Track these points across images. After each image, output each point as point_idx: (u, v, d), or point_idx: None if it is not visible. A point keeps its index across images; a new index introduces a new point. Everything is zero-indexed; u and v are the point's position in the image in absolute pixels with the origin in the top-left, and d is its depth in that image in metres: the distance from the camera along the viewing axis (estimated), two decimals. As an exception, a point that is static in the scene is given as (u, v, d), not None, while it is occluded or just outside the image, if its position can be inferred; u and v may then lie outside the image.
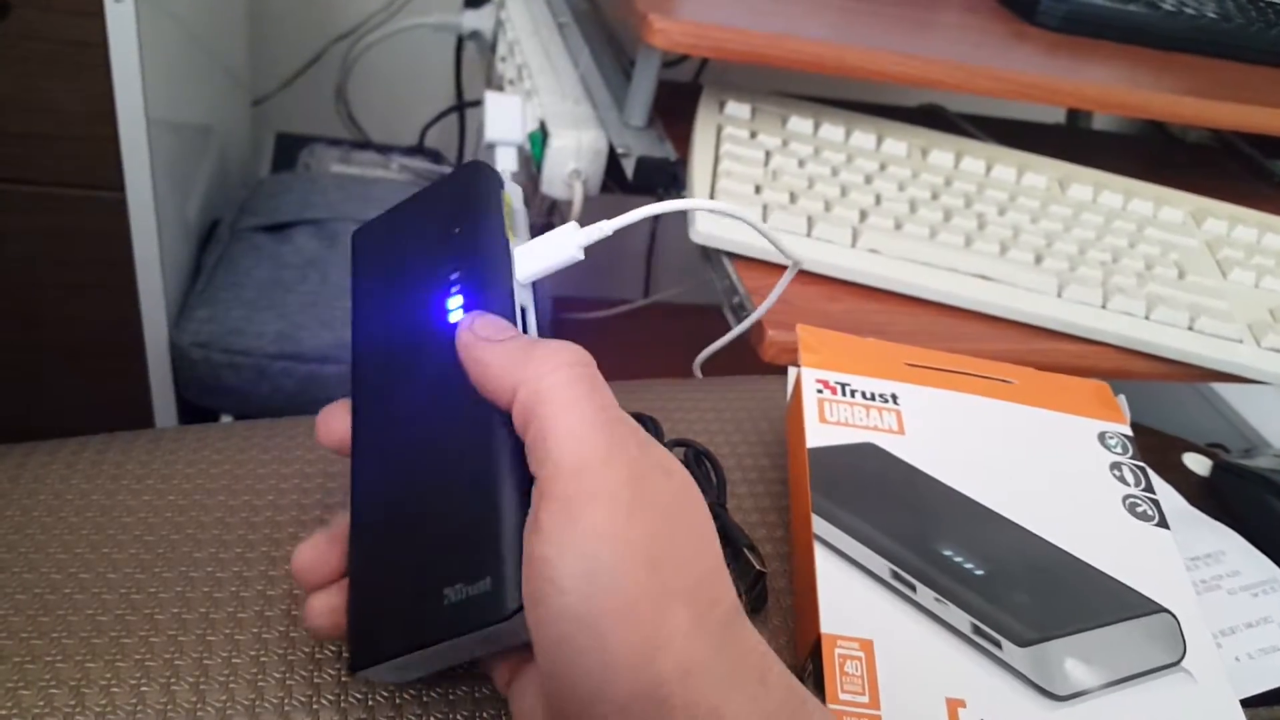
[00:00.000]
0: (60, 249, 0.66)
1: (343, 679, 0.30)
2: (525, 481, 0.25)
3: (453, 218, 0.31)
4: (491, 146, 0.68)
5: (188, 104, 0.76)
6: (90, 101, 0.60)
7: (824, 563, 0.34)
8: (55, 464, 0.37)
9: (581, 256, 0.30)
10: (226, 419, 0.77)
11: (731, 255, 0.53)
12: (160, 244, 0.68)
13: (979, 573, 0.33)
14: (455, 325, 0.28)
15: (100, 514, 0.35)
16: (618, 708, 0.21)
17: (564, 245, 0.29)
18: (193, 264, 0.80)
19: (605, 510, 0.22)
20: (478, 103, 1.07)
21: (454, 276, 0.29)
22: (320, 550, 0.28)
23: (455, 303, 0.29)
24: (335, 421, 0.30)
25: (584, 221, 0.30)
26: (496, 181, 0.31)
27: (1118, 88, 0.60)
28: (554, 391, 0.23)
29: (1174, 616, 0.33)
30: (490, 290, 0.29)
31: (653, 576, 0.22)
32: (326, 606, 0.28)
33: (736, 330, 0.47)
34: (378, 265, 0.32)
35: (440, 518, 0.27)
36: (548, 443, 0.23)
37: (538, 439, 0.23)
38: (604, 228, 0.30)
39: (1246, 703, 0.33)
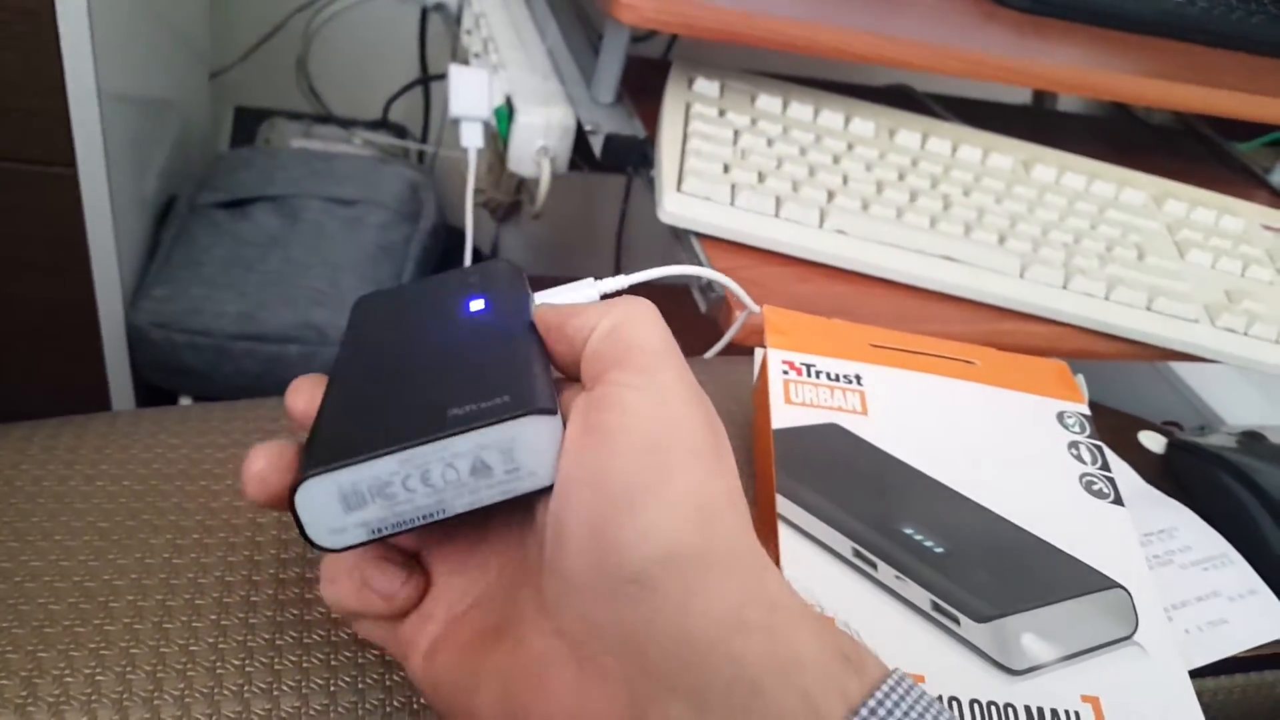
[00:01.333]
0: (10, 226, 0.64)
1: (304, 665, 0.30)
2: (545, 359, 0.26)
3: (471, 284, 0.30)
4: (457, 121, 0.67)
5: (142, 76, 0.74)
6: (39, 74, 0.58)
7: (787, 542, 0.34)
8: (5, 450, 0.36)
9: (598, 298, 0.31)
10: (186, 401, 0.76)
11: (700, 236, 0.53)
12: (115, 221, 0.66)
13: (938, 550, 0.34)
14: (474, 311, 0.28)
15: (53, 500, 0.34)
16: (665, 503, 0.22)
17: (583, 291, 0.31)
18: (149, 241, 0.78)
19: (682, 383, 0.24)
20: (443, 76, 1.06)
21: (474, 292, 0.29)
22: (310, 390, 0.27)
23: (476, 305, 0.29)
24: (304, 395, 0.27)
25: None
26: (520, 271, 0.31)
27: (1083, 70, 0.61)
28: (641, 317, 0.26)
29: (1127, 592, 0.34)
30: (512, 295, 0.29)
31: (714, 440, 0.24)
32: (271, 461, 0.25)
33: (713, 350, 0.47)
34: (379, 312, 0.31)
35: (441, 370, 0.26)
36: (630, 338, 0.25)
37: (618, 339, 0.25)
38: (621, 281, 0.32)
39: (1195, 673, 0.34)
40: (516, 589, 0.26)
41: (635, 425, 0.23)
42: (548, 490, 0.24)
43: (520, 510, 0.26)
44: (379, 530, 0.24)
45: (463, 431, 0.23)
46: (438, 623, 0.26)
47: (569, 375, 0.27)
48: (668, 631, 0.21)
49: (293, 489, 0.23)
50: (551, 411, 0.23)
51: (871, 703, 0.21)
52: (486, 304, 0.29)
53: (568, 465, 0.23)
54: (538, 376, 0.25)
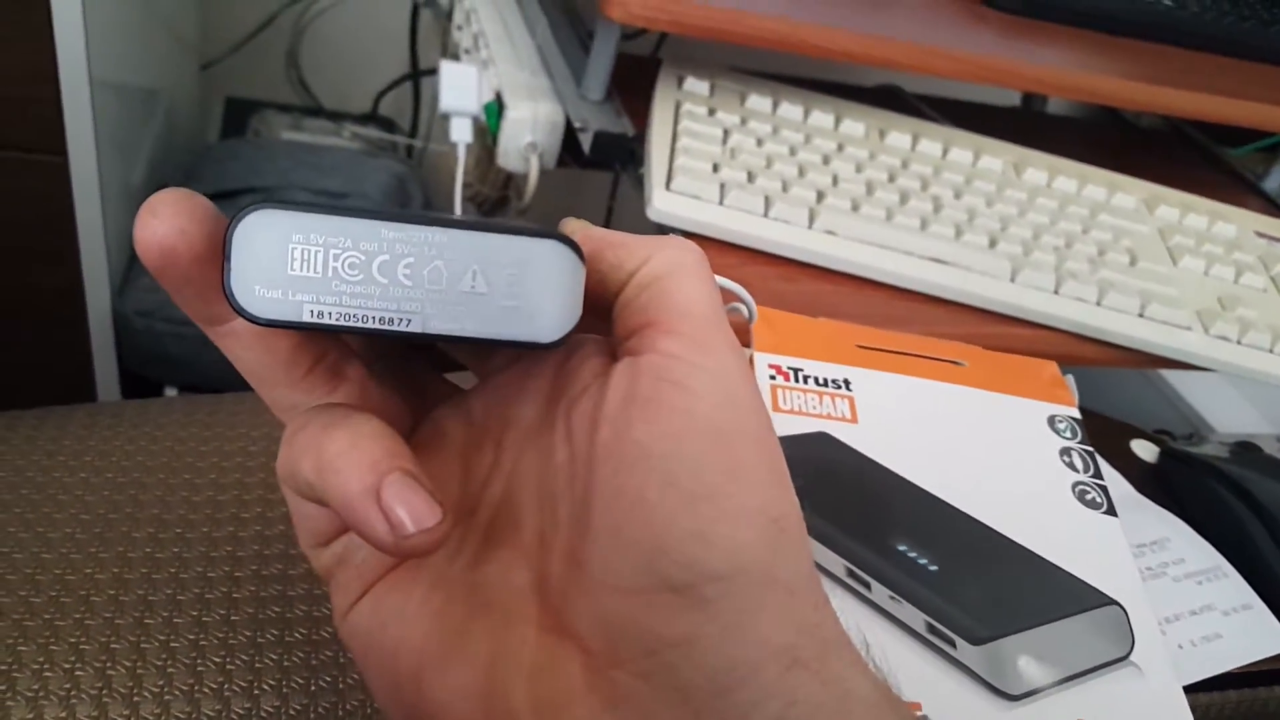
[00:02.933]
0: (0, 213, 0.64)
1: (284, 664, 0.30)
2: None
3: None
4: (447, 116, 0.67)
5: (134, 66, 0.74)
6: (31, 61, 0.58)
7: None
8: (-14, 440, 0.36)
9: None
10: (171, 390, 0.76)
11: (688, 234, 0.53)
12: (104, 210, 0.66)
13: (933, 568, 0.33)
14: None
15: (35, 491, 0.34)
16: (735, 508, 0.20)
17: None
18: (137, 231, 0.78)
19: (737, 358, 0.22)
20: (433, 71, 1.05)
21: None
22: None
23: None
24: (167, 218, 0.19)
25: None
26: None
27: (1072, 72, 0.61)
28: (689, 268, 0.23)
29: (1122, 609, 0.33)
30: None
31: (772, 428, 0.21)
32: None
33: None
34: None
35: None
36: (676, 296, 0.22)
37: (662, 293, 0.22)
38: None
39: (1189, 689, 0.33)
40: (507, 569, 0.22)
41: (697, 408, 0.20)
42: (545, 348, 0.20)
43: (527, 464, 0.23)
44: (320, 316, 0.19)
45: (466, 227, 0.19)
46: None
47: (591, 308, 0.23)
48: (710, 654, 0.19)
49: (238, 218, 0.19)
50: (579, 252, 0.20)
51: None
52: None
53: (607, 437, 0.20)
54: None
